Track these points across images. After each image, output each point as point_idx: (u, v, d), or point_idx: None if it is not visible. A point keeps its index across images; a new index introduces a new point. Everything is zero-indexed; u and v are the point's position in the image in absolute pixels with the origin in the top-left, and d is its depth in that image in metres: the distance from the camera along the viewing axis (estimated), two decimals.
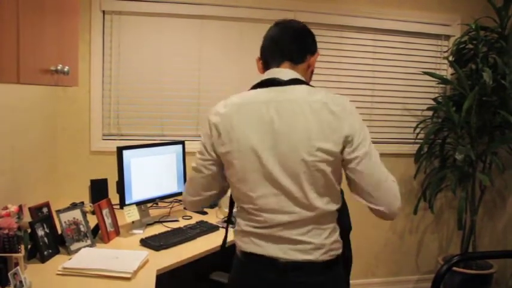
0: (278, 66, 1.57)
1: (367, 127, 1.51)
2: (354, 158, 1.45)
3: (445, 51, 3.78)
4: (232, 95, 1.61)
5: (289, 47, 1.57)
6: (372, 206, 1.49)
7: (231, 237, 2.51)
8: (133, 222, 2.56)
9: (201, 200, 1.73)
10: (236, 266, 1.66)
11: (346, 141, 1.44)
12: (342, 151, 1.45)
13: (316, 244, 1.49)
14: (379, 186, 1.47)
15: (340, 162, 1.48)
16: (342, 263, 1.61)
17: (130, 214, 2.51)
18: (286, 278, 1.50)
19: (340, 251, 1.57)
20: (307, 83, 1.57)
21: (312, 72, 1.65)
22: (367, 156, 1.46)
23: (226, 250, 1.90)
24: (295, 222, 1.49)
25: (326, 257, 1.51)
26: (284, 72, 1.56)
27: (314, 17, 3.45)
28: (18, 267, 1.71)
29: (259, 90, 1.56)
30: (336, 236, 1.55)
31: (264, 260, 1.53)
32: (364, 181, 1.47)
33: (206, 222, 2.72)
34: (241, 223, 1.61)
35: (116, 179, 2.58)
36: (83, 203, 2.78)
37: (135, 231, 2.53)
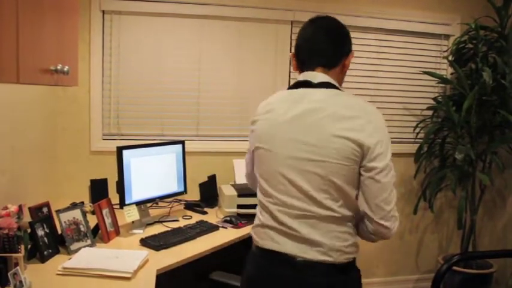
0: (312, 69, 1.61)
1: (390, 142, 1.54)
2: (371, 168, 1.48)
3: (444, 51, 3.78)
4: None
5: (324, 50, 1.60)
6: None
7: (231, 237, 2.53)
8: (133, 222, 2.56)
9: None
10: (251, 261, 1.67)
11: (364, 152, 1.47)
12: (360, 160, 1.48)
13: (334, 246, 1.51)
14: (384, 202, 1.50)
15: (357, 169, 1.50)
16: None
17: (130, 214, 2.51)
18: (302, 277, 1.52)
19: (356, 255, 1.59)
20: (337, 87, 1.59)
21: (345, 73, 1.68)
22: (385, 170, 1.49)
23: (226, 250, 1.90)
24: (313, 221, 1.51)
25: (343, 260, 1.53)
26: (315, 75, 1.59)
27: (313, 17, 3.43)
28: (18, 267, 1.71)
29: (289, 90, 1.63)
30: (354, 239, 1.57)
31: (281, 257, 1.54)
32: (373, 193, 1.50)
33: (206, 222, 2.72)
34: (261, 218, 1.64)
35: (116, 178, 2.58)
36: (82, 202, 2.78)
37: (135, 231, 2.53)
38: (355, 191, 1.53)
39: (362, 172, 1.49)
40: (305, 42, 1.64)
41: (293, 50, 1.69)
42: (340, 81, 1.66)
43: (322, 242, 1.50)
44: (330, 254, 1.50)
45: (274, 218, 1.57)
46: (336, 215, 1.50)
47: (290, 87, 1.65)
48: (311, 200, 1.50)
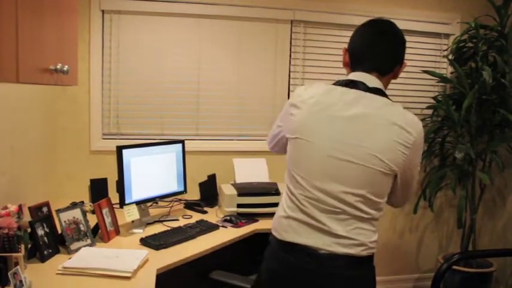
0: (368, 71, 1.61)
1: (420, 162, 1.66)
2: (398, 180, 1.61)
3: (444, 50, 3.77)
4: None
5: (383, 56, 1.61)
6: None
7: (231, 237, 2.53)
8: (133, 221, 2.56)
9: None
10: (272, 255, 1.68)
11: (403, 166, 1.56)
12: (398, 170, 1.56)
13: (359, 241, 1.55)
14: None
15: (392, 176, 1.58)
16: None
17: (130, 213, 2.51)
18: (324, 268, 1.54)
19: (376, 250, 1.65)
20: (387, 96, 1.60)
21: (395, 78, 1.70)
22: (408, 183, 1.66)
23: (226, 249, 1.90)
24: (342, 217, 1.55)
25: (364, 254, 1.57)
26: (369, 78, 1.60)
27: (313, 16, 3.45)
28: (18, 267, 1.71)
29: (340, 88, 1.61)
30: (376, 236, 1.63)
31: (304, 250, 1.57)
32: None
33: (206, 221, 2.72)
34: (286, 209, 1.66)
35: (116, 178, 2.58)
36: (82, 202, 2.77)
37: (135, 230, 2.53)
38: (386, 197, 1.62)
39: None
40: (364, 42, 1.63)
41: (346, 46, 1.69)
42: (386, 87, 1.68)
43: (347, 237, 1.54)
44: (353, 247, 1.54)
45: (302, 210, 1.58)
46: (365, 216, 1.55)
47: (338, 83, 1.63)
48: (343, 200, 1.53)
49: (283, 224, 1.63)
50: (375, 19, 1.67)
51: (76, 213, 2.25)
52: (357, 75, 1.61)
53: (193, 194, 3.19)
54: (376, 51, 1.61)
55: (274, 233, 1.67)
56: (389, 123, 1.51)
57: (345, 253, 1.54)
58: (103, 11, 3.20)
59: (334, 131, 1.54)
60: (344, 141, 1.52)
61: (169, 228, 2.55)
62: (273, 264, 1.66)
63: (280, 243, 1.63)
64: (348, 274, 1.55)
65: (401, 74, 3.99)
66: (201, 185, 3.23)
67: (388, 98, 1.60)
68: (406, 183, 1.63)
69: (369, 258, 1.61)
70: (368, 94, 1.56)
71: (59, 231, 2.19)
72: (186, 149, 3.00)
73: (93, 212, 2.50)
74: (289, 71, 3.55)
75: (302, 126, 1.60)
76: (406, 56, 3.78)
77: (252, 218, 2.83)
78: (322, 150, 1.55)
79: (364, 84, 1.58)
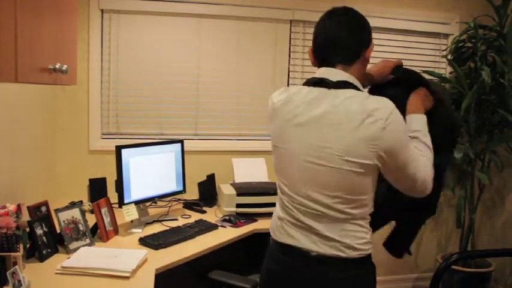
0: (331, 66, 1.55)
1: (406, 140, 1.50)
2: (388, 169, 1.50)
3: (443, 50, 3.77)
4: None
5: (343, 44, 1.53)
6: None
7: (230, 236, 2.53)
8: (132, 221, 2.56)
9: None
10: (270, 256, 1.68)
11: (381, 157, 1.45)
12: (376, 163, 1.46)
13: (345, 243, 1.51)
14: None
15: (374, 171, 1.49)
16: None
17: (129, 213, 2.51)
18: (317, 269, 1.53)
19: (371, 251, 1.59)
20: (355, 86, 1.52)
21: (366, 67, 1.64)
22: (402, 168, 1.49)
23: (225, 249, 1.90)
24: (326, 220, 1.52)
25: (355, 255, 1.53)
26: (333, 72, 1.53)
27: (312, 16, 3.43)
28: (16, 267, 1.71)
29: (308, 88, 1.57)
30: (368, 236, 1.57)
31: (297, 251, 1.56)
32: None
33: (205, 221, 2.72)
34: (279, 211, 1.66)
35: (115, 177, 2.58)
36: (81, 202, 2.77)
37: (134, 230, 2.53)
38: (371, 192, 1.53)
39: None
40: (322, 36, 1.56)
41: (311, 45, 1.62)
42: (362, 77, 1.62)
43: (334, 239, 1.51)
44: (343, 249, 1.51)
45: (290, 214, 1.59)
46: (347, 217, 1.51)
47: (306, 83, 1.59)
48: (323, 203, 1.51)
49: (278, 225, 1.64)
50: (329, 10, 1.60)
51: (75, 212, 2.25)
52: (321, 72, 1.56)
53: (192, 194, 3.19)
54: (335, 41, 1.53)
55: (272, 234, 1.68)
56: (350, 118, 1.43)
57: (335, 255, 1.51)
58: (102, 11, 3.19)
59: (303, 134, 1.51)
60: (312, 144, 1.49)
61: (168, 228, 2.55)
62: (272, 265, 1.66)
63: (277, 244, 1.63)
64: (341, 276, 1.53)
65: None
66: (200, 184, 3.22)
67: (357, 88, 1.52)
68: (400, 170, 1.49)
69: (362, 260, 1.56)
70: (332, 91, 1.50)
71: (58, 231, 2.18)
72: (185, 149, 3.00)
73: (92, 211, 2.50)
74: (289, 71, 3.55)
75: (276, 133, 1.61)
76: (405, 56, 3.77)
77: (251, 217, 2.83)
78: (296, 156, 1.53)
79: (327, 80, 1.52)
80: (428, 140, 1.62)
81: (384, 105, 1.44)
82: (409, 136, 1.57)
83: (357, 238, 1.53)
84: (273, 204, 1.77)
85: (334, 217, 1.51)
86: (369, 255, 1.59)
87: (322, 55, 1.58)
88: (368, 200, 1.53)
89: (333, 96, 1.49)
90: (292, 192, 1.57)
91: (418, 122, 1.64)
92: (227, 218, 2.78)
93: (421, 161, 1.53)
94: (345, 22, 1.54)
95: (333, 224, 1.51)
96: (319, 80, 1.54)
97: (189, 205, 3.08)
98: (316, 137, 1.48)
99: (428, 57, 3.81)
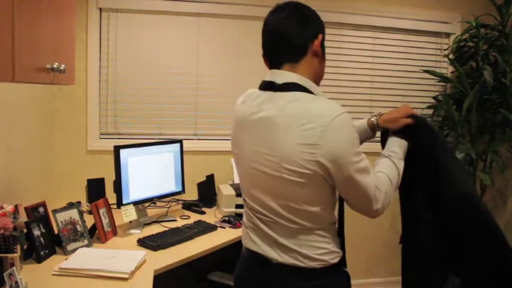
0: (278, 67, 1.46)
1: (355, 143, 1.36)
2: (336, 181, 1.38)
3: (445, 49, 3.76)
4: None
5: (288, 42, 1.43)
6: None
7: (229, 237, 2.51)
8: (130, 222, 2.54)
9: None
10: (239, 261, 1.66)
11: (324, 166, 1.33)
12: (317, 172, 1.34)
13: (302, 253, 1.44)
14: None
15: (319, 181, 1.37)
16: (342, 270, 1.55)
17: (128, 214, 2.49)
18: (278, 278, 1.48)
19: (335, 260, 1.49)
20: (305, 88, 1.41)
21: (321, 61, 1.49)
22: (350, 181, 1.36)
23: (224, 250, 1.89)
24: (281, 228, 1.46)
25: (316, 266, 1.45)
26: (279, 74, 1.45)
27: None
28: (14, 268, 1.69)
29: (257, 91, 1.53)
30: (330, 246, 1.47)
31: (260, 258, 1.51)
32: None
33: (204, 222, 2.70)
34: (244, 216, 1.64)
35: (113, 178, 2.56)
36: (79, 202, 2.76)
37: (132, 231, 2.51)
38: (320, 205, 1.41)
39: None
40: (265, 36, 1.48)
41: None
42: (318, 73, 1.50)
43: (293, 249, 1.44)
44: (301, 259, 1.44)
45: (251, 221, 1.56)
46: (300, 227, 1.43)
47: (259, 86, 1.53)
48: (274, 211, 1.45)
49: (244, 231, 1.62)
50: (271, 10, 1.53)
51: (73, 213, 2.23)
52: (269, 75, 1.48)
53: (192, 195, 3.17)
54: (277, 40, 1.44)
55: (242, 239, 1.66)
56: (289, 123, 1.33)
57: (294, 264, 1.44)
58: (100, 9, 3.17)
59: (250, 140, 1.46)
60: (257, 151, 1.43)
61: (167, 229, 2.53)
62: (239, 271, 1.64)
63: (245, 249, 1.61)
64: (301, 286, 1.46)
65: (402, 74, 4.00)
66: (199, 185, 3.21)
67: (306, 89, 1.41)
68: (350, 183, 1.37)
69: (324, 271, 1.46)
70: (277, 93, 1.41)
71: (56, 232, 2.17)
72: (184, 149, 2.99)
73: (90, 212, 2.48)
74: None
75: (232, 137, 1.59)
76: (407, 56, 3.75)
77: None
78: (246, 162, 1.49)
79: (273, 82, 1.44)
80: (400, 163, 1.54)
81: (328, 110, 1.32)
82: (383, 155, 1.53)
83: (316, 248, 1.44)
84: None
85: (288, 226, 1.44)
86: (335, 265, 1.49)
87: (269, 56, 1.49)
88: (322, 211, 1.42)
89: (278, 99, 1.40)
90: (249, 199, 1.54)
91: (396, 144, 1.57)
92: (226, 218, 2.76)
93: (379, 177, 1.45)
94: (285, 18, 1.45)
95: (289, 233, 1.44)
96: (267, 83, 1.47)
97: (188, 206, 3.06)
98: (260, 143, 1.42)
99: (429, 57, 3.80)
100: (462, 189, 1.59)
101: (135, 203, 2.61)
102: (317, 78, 1.49)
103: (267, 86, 1.47)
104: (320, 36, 1.46)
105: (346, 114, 1.33)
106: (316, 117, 1.31)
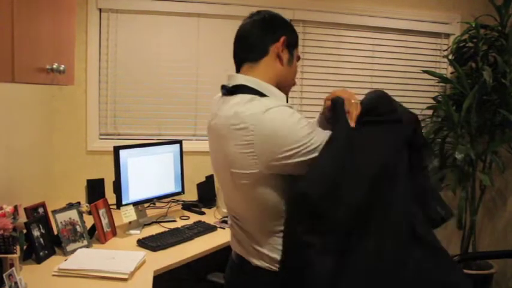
0: (239, 68, 1.49)
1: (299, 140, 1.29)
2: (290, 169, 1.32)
3: (444, 50, 3.76)
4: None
5: (250, 42, 1.47)
6: None
7: (229, 238, 2.50)
8: (130, 222, 2.54)
9: None
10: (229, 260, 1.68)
11: (269, 164, 1.30)
12: (265, 169, 1.31)
13: (274, 258, 1.42)
14: None
15: (271, 177, 1.34)
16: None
17: (127, 214, 2.49)
18: (252, 281, 1.48)
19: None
20: (252, 89, 1.39)
21: (286, 63, 1.46)
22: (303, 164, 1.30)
23: (224, 251, 1.88)
24: (250, 233, 1.47)
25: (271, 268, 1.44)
26: (233, 77, 1.47)
27: (312, 15, 3.42)
28: (13, 268, 1.69)
29: (218, 95, 1.58)
30: (274, 255, 1.42)
31: (240, 259, 1.53)
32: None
33: (204, 222, 2.70)
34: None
35: (113, 178, 2.56)
36: (79, 203, 2.75)
37: (132, 231, 2.51)
38: (281, 203, 1.37)
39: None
40: (234, 40, 1.54)
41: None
42: (283, 77, 1.46)
43: (265, 253, 1.43)
44: (273, 264, 1.42)
45: (232, 224, 1.58)
46: (269, 230, 1.41)
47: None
48: (243, 216, 1.47)
49: (231, 234, 1.62)
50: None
51: (72, 214, 2.23)
52: (227, 79, 1.49)
53: (191, 195, 3.17)
54: (240, 40, 1.51)
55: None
56: (227, 127, 1.33)
57: (269, 268, 1.42)
58: (100, 10, 3.17)
59: (211, 146, 1.52)
60: (215, 157, 1.48)
61: (166, 230, 2.53)
62: (227, 270, 1.66)
63: (232, 250, 1.62)
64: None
65: (402, 74, 3.99)
66: (199, 185, 3.20)
67: (256, 91, 1.38)
68: (302, 169, 1.31)
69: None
70: (227, 97, 1.43)
71: (55, 232, 2.17)
72: (183, 150, 2.98)
73: (89, 212, 2.48)
74: None
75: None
76: (406, 56, 3.76)
77: None
78: (214, 168, 1.55)
79: (226, 86, 1.46)
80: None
81: (261, 107, 1.29)
82: None
83: (266, 254, 1.43)
84: None
85: (258, 230, 1.43)
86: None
87: (234, 58, 1.53)
88: (275, 215, 1.38)
89: (226, 103, 1.41)
90: (226, 204, 1.58)
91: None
92: (226, 219, 2.76)
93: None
94: (253, 21, 1.49)
95: (261, 238, 1.42)
96: (222, 87, 1.50)
97: (188, 206, 3.06)
98: (215, 149, 1.47)
99: (429, 57, 3.80)
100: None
101: (135, 204, 2.61)
102: (282, 82, 1.47)
103: (222, 90, 1.49)
104: (282, 39, 1.45)
105: (283, 107, 1.30)
106: (249, 116, 1.29)
